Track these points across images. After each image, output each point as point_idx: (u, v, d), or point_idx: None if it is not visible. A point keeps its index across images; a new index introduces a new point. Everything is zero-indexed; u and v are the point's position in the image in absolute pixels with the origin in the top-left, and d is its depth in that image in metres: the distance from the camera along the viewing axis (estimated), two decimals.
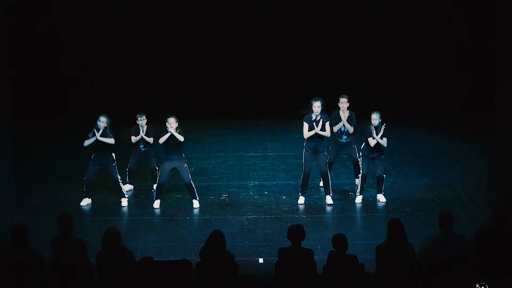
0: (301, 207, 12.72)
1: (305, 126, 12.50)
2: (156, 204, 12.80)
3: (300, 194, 12.89)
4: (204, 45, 17.90)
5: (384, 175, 12.82)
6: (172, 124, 12.38)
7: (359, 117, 12.95)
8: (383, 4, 17.76)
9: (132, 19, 17.77)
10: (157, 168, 13.30)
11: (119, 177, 12.79)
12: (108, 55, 17.85)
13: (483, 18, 16.32)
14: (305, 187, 12.84)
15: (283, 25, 17.78)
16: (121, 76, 17.81)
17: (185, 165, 12.64)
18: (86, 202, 12.87)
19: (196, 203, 12.82)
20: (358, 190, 12.89)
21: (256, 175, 14.21)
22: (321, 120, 12.44)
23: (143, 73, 17.85)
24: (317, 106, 12.41)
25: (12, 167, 12.19)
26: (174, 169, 12.63)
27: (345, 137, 13.06)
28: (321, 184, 13.12)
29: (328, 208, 12.70)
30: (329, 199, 12.83)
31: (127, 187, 13.41)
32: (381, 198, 12.85)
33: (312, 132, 12.44)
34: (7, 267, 8.39)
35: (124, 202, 12.87)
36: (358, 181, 13.24)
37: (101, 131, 12.50)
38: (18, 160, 12.97)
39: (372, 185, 13.10)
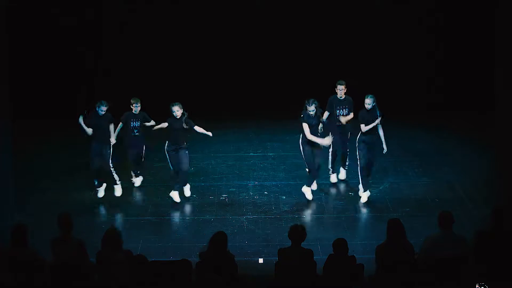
0: (304, 207, 12.71)
1: (306, 127, 12.55)
2: (187, 191, 12.97)
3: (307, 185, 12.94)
4: (204, 45, 17.89)
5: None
6: (177, 112, 12.45)
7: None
8: (383, 4, 17.76)
9: (131, 19, 17.77)
10: (143, 157, 13.50)
11: (111, 165, 12.91)
12: (108, 55, 17.87)
13: (482, 17, 16.33)
14: (317, 177, 12.97)
15: (283, 24, 17.77)
16: (120, 76, 17.81)
17: (186, 151, 12.77)
18: (102, 192, 13.07)
19: (174, 194, 12.85)
20: (361, 186, 12.84)
21: (256, 175, 14.21)
22: (319, 115, 12.57)
23: (143, 73, 17.84)
24: (311, 110, 12.45)
25: (12, 167, 12.18)
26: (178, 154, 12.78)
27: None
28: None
29: (328, 208, 12.70)
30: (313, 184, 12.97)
31: (138, 181, 13.50)
32: (363, 195, 12.86)
33: (315, 139, 12.49)
34: (7, 267, 8.40)
35: (118, 190, 13.04)
36: (344, 172, 13.63)
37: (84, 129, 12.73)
38: (18, 160, 12.97)
39: (371, 185, 13.09)
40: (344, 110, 13.23)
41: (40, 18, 17.48)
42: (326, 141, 12.58)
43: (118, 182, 13.04)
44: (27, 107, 16.87)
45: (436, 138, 16.25)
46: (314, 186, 13.06)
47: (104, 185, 13.08)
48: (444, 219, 8.87)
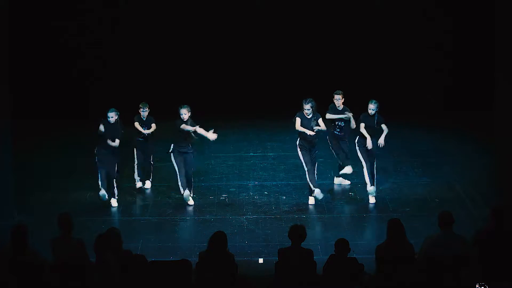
0: (304, 207, 12.69)
1: (298, 120, 12.46)
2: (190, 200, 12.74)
3: (310, 194, 12.74)
4: (204, 45, 17.90)
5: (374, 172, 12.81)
6: (184, 115, 12.38)
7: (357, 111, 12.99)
8: (383, 4, 17.77)
9: (133, 19, 17.78)
10: (152, 163, 13.42)
11: (116, 177, 12.71)
12: (109, 55, 17.87)
13: (482, 18, 16.33)
14: (314, 183, 12.58)
15: (283, 25, 17.78)
16: (120, 76, 17.82)
17: (192, 156, 12.70)
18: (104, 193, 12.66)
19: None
20: (369, 185, 12.74)
21: (256, 175, 14.21)
22: (314, 120, 12.45)
23: (143, 74, 17.84)
24: (306, 109, 12.41)
25: (12, 167, 12.19)
26: (184, 159, 12.67)
27: (339, 130, 13.17)
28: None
29: (328, 208, 12.68)
30: (311, 199, 12.79)
31: (139, 185, 13.42)
32: (371, 197, 12.80)
33: (304, 130, 12.38)
34: (7, 267, 8.39)
35: (114, 202, 12.77)
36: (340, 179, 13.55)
37: (101, 132, 12.45)
38: (18, 160, 12.97)
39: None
40: (341, 121, 13.15)
41: (40, 18, 17.49)
42: (311, 131, 12.40)
43: (116, 197, 12.80)
44: (27, 107, 16.87)
45: (437, 138, 16.25)
46: (312, 200, 12.90)
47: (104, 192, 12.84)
48: (444, 219, 8.86)
